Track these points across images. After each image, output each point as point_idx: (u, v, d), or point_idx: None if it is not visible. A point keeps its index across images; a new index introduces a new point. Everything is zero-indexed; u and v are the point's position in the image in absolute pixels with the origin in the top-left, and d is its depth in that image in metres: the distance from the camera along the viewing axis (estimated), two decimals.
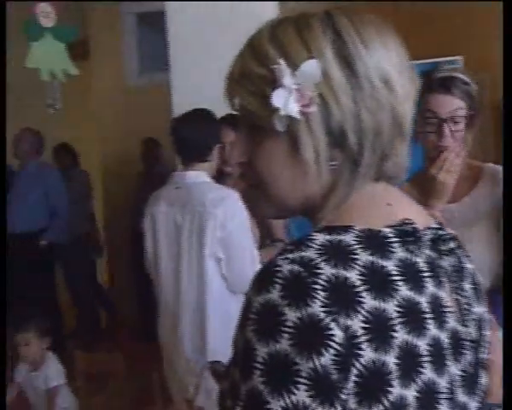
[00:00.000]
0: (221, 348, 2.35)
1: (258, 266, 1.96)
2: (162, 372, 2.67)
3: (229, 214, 2.35)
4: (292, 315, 0.68)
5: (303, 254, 0.72)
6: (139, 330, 5.37)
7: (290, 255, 0.72)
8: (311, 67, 0.76)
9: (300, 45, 0.78)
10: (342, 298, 0.70)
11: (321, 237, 0.74)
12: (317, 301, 0.69)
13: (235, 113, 0.85)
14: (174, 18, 3.58)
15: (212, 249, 2.36)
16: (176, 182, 2.51)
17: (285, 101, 0.76)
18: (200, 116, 2.50)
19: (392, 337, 0.71)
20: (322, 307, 0.68)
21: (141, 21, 6.19)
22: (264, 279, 0.72)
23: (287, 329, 0.68)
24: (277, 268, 0.71)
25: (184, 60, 3.59)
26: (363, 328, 0.70)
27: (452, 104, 1.74)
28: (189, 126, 2.46)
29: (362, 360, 0.69)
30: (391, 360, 0.70)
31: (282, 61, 0.76)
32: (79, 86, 6.05)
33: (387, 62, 0.80)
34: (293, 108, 0.76)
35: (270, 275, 0.71)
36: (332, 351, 0.68)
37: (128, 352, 3.53)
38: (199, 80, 3.49)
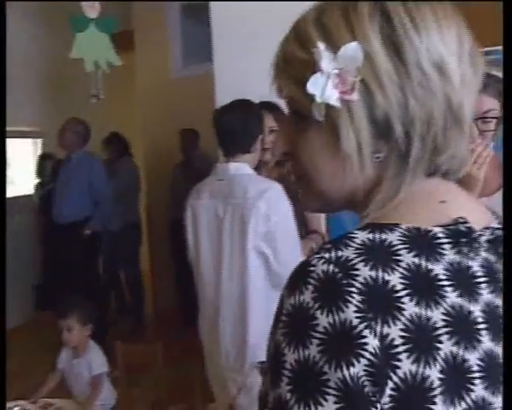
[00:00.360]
0: (262, 344, 2.31)
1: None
2: (203, 366, 2.64)
3: (273, 207, 2.29)
4: (323, 320, 0.63)
5: (340, 253, 0.66)
6: (180, 324, 5.39)
7: (326, 254, 0.67)
8: (351, 49, 0.70)
9: (345, 29, 0.72)
10: (380, 303, 0.64)
11: (362, 236, 0.68)
12: (350, 305, 0.63)
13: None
14: (218, 9, 3.55)
15: (255, 243, 2.29)
16: (218, 174, 2.46)
17: (322, 87, 0.70)
18: (243, 107, 2.44)
19: (437, 349, 0.64)
20: (356, 312, 0.63)
21: (185, 13, 6.18)
22: (297, 279, 0.67)
23: (317, 334, 0.63)
24: (311, 268, 0.66)
25: (228, 51, 3.56)
26: (403, 337, 0.63)
27: (485, 105, 1.67)
28: (232, 118, 2.40)
29: (399, 372, 0.62)
30: (434, 374, 0.63)
31: (320, 44, 0.71)
32: (123, 77, 6.10)
33: (443, 47, 0.72)
34: (332, 95, 0.70)
35: (304, 275, 0.66)
36: (364, 361, 0.62)
37: (168, 345, 3.53)
38: (242, 71, 3.46)
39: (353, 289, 0.64)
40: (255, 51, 3.41)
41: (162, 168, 5.99)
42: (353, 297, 0.63)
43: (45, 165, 6.04)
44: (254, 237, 2.29)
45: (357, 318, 0.63)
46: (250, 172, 2.42)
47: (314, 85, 0.71)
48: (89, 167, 4.96)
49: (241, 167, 2.40)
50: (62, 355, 3.12)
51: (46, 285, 5.72)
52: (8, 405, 2.78)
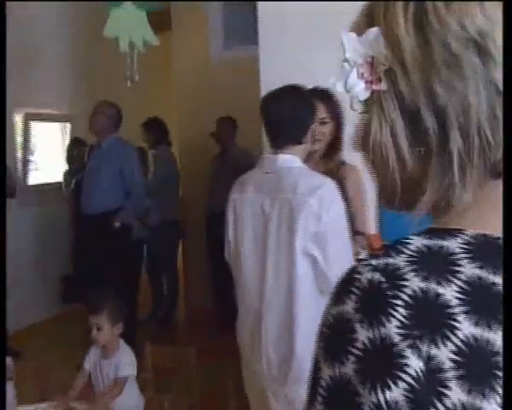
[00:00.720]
0: (309, 355, 2.25)
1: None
2: (239, 374, 2.62)
3: (325, 205, 2.24)
4: (362, 334, 0.61)
5: (390, 260, 0.64)
6: (215, 326, 5.39)
7: (374, 261, 0.64)
8: (371, 35, 0.69)
9: (383, 21, 0.71)
10: (429, 319, 0.60)
11: (418, 242, 0.65)
12: (393, 319, 0.60)
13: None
14: None
15: (304, 244, 2.25)
16: (265, 166, 2.42)
17: (345, 77, 0.71)
18: (293, 94, 2.40)
19: (497, 378, 0.59)
20: (399, 328, 0.60)
21: None
22: (341, 288, 0.65)
23: (354, 350, 0.61)
24: (356, 275, 0.64)
25: (274, 33, 3.52)
26: (454, 361, 0.59)
27: None
28: (281, 106, 2.36)
29: (447, 401, 0.58)
30: (490, 407, 0.58)
31: (344, 33, 0.71)
32: (159, 60, 6.12)
33: (484, 21, 0.67)
34: (355, 85, 0.70)
35: (348, 283, 0.64)
36: (403, 385, 0.58)
37: (201, 349, 3.52)
38: (290, 56, 3.43)
39: (398, 302, 0.61)
40: (304, 35, 3.37)
41: (199, 159, 5.97)
42: (397, 311, 0.60)
43: (77, 151, 6.05)
44: (303, 237, 2.26)
45: (399, 335, 0.60)
46: (300, 166, 2.38)
47: (337, 76, 0.71)
48: (121, 154, 4.95)
49: (290, 160, 2.36)
50: (90, 354, 3.12)
51: (74, 277, 5.78)
52: (28, 408, 2.80)
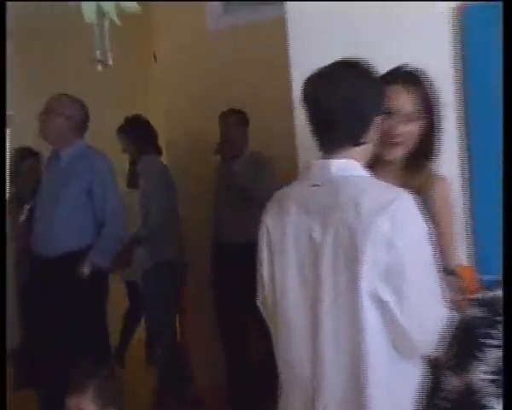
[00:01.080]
0: None
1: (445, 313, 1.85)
2: None
3: (400, 226, 2.27)
4: (451, 383, 0.67)
5: (498, 292, 0.69)
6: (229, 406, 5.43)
7: (481, 295, 0.69)
8: None
9: None
10: None
11: None
12: (481, 363, 0.65)
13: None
14: None
15: (373, 282, 2.28)
16: (312, 176, 2.46)
17: None
18: (352, 71, 2.42)
19: None
20: (487, 373, 0.65)
21: None
22: (447, 332, 0.70)
23: (439, 402, 0.67)
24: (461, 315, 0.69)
25: None
26: None
27: None
28: (336, 88, 2.38)
29: None
30: None
31: None
32: (140, 32, 6.12)
33: None
34: None
35: (450, 325, 0.69)
36: None
37: None
38: (328, 19, 3.48)
39: (491, 342, 0.65)
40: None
41: (197, 170, 6.04)
42: (488, 351, 0.65)
43: (25, 167, 6.05)
44: (371, 272, 2.28)
45: (484, 381, 0.64)
46: (363, 174, 2.42)
47: None
48: (89, 169, 4.97)
49: (348, 166, 2.40)
50: None
51: (26, 350, 5.77)
52: None
